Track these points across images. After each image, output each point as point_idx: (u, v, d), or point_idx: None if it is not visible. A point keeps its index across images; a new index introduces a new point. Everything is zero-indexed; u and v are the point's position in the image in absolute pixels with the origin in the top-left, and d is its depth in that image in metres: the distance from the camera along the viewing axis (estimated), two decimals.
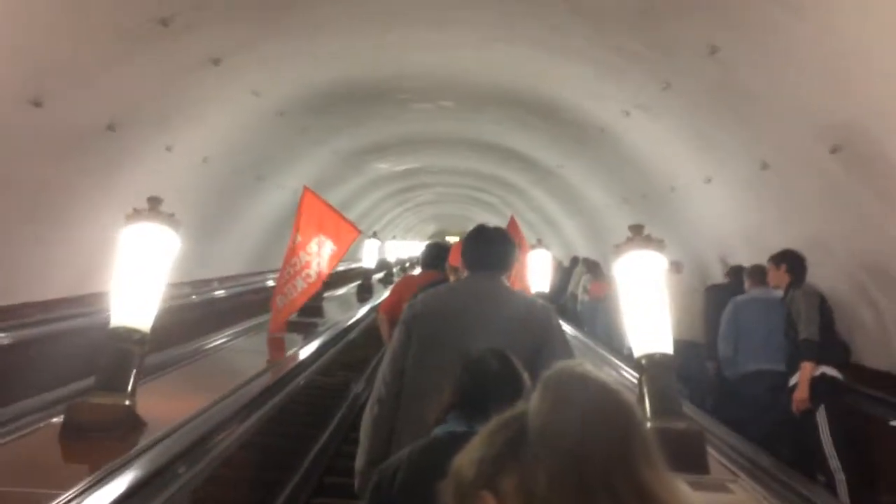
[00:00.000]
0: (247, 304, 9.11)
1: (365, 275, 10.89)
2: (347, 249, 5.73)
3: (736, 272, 6.21)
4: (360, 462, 2.40)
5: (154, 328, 2.96)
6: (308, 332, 5.84)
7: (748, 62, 4.34)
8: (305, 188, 5.66)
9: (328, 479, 4.72)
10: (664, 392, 2.75)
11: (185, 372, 4.35)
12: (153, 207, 3.05)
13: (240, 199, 9.18)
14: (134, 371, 2.79)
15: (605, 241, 11.89)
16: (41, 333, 4.79)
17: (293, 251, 5.34)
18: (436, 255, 4.79)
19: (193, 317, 7.65)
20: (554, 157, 10.16)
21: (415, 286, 4.33)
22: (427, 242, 5.33)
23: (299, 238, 5.35)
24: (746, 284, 5.52)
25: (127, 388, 2.75)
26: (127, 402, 2.71)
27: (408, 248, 24.07)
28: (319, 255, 5.43)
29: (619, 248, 3.03)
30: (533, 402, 0.98)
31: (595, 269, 11.03)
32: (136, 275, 2.94)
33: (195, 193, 7.63)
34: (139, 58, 4.75)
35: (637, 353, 2.86)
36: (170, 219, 3.06)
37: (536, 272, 6.94)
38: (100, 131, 5.08)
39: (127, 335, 2.82)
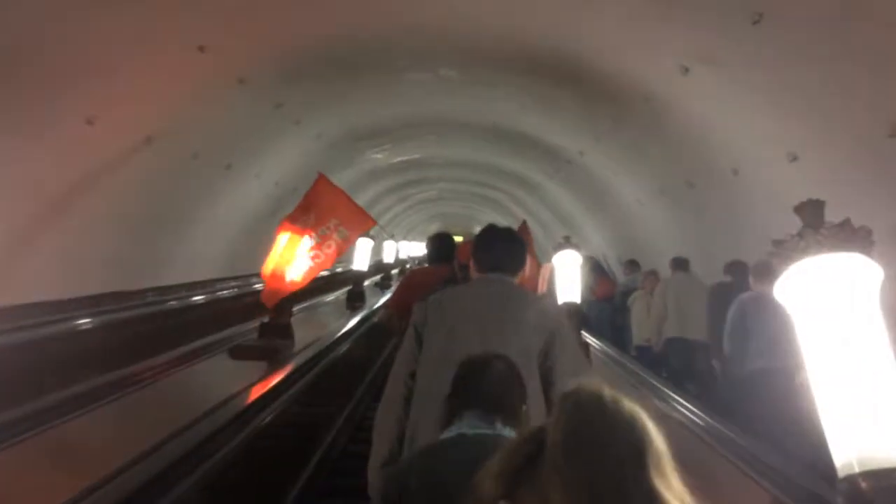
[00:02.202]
0: (217, 315, 7.65)
1: (356, 279, 9.42)
2: (359, 236, 5.98)
3: (737, 267, 6.05)
4: (371, 462, 2.35)
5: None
6: (267, 362, 4.38)
7: None
8: (320, 174, 5.65)
9: None
10: None
11: (77, 426, 2.90)
12: None
13: (207, 191, 7.70)
14: None
15: (630, 243, 10.39)
16: None
17: (304, 230, 5.26)
18: (442, 248, 4.68)
19: (143, 332, 6.19)
20: (577, 142, 8.65)
21: (425, 283, 4.07)
22: (432, 235, 5.01)
23: (312, 219, 5.31)
24: (751, 282, 5.37)
25: None
26: None
27: (409, 248, 22.56)
28: (332, 237, 5.33)
29: (785, 250, 1.55)
30: (551, 419, 1.03)
31: (599, 268, 9.91)
32: None
33: (139, 183, 6.15)
34: None
35: (844, 463, 1.37)
36: None
37: (563, 277, 5.44)
38: None
39: None
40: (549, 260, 10.71)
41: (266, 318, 5.13)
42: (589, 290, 9.59)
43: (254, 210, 9.33)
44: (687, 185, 6.86)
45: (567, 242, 5.53)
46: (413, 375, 2.38)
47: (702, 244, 7.57)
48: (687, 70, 4.77)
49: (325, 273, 13.73)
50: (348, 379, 6.04)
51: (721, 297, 5.86)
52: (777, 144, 4.77)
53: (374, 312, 9.37)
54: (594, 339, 6.28)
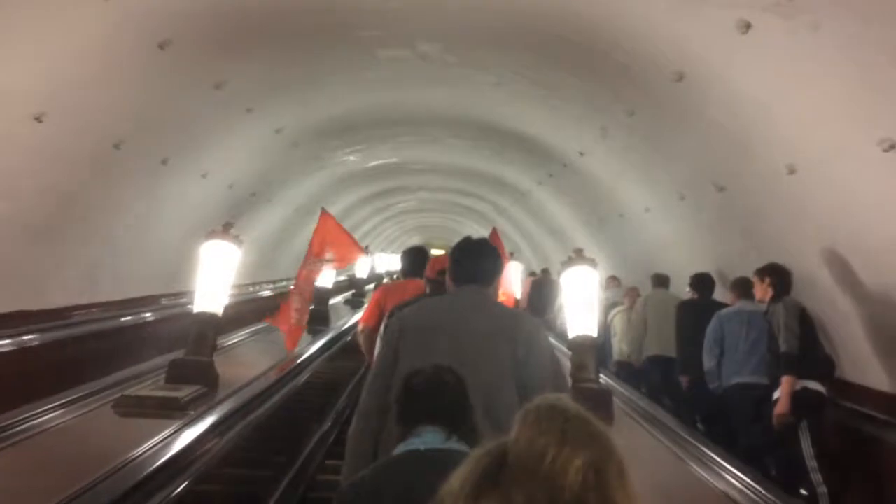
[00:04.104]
0: (119, 348, 6.27)
1: (319, 298, 8.09)
2: (346, 265, 6.16)
3: (701, 281, 6.17)
4: (344, 475, 2.30)
5: None
6: (176, 418, 3.06)
7: None
8: (323, 210, 5.90)
9: None
10: None
11: None
12: None
13: (136, 191, 6.38)
14: None
15: (633, 258, 9.17)
16: None
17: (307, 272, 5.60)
18: (416, 261, 4.62)
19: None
20: (578, 140, 7.43)
21: (399, 296, 4.05)
22: (406, 248, 4.88)
23: (314, 260, 5.64)
24: (731, 297, 5.52)
25: None
26: None
27: (387, 261, 21.26)
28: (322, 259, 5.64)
29: None
30: (513, 432, 1.04)
31: None
32: None
33: (35, 177, 4.83)
34: None
35: None
36: None
37: (576, 303, 4.18)
38: None
39: None
40: (530, 275, 9.83)
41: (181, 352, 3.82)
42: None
43: (203, 217, 7.97)
44: (715, 188, 5.64)
45: (580, 257, 4.27)
46: (388, 388, 2.30)
47: (727, 262, 6.37)
48: (748, 27, 3.56)
49: (271, 291, 12.34)
50: (287, 444, 4.65)
51: (688, 313, 6.01)
52: (865, 129, 3.56)
53: (340, 335, 8.08)
54: (615, 383, 5.06)
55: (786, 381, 4.37)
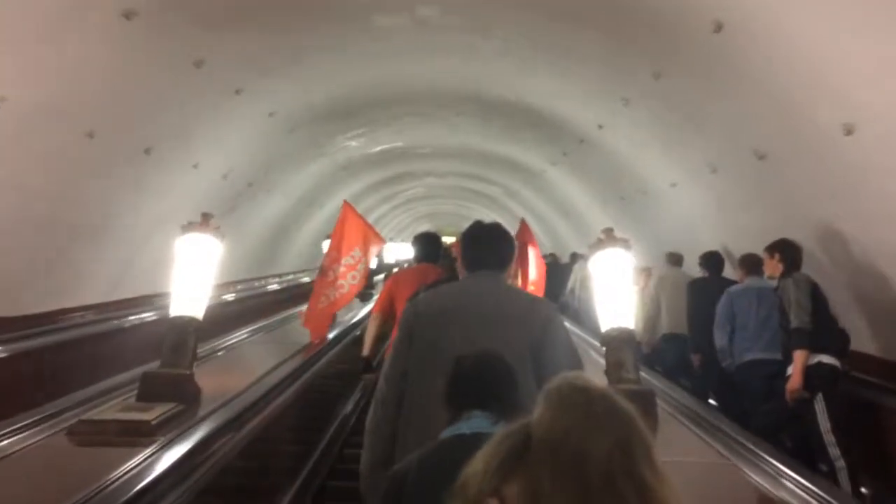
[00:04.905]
0: (118, 348, 5.75)
1: None
2: (370, 258, 5.85)
3: (711, 260, 6.29)
4: (363, 464, 2.35)
5: None
6: (147, 444, 2.55)
7: None
8: (345, 202, 5.80)
9: None
10: None
11: None
12: None
13: (117, 184, 5.88)
14: None
15: (655, 240, 8.59)
16: None
17: (335, 260, 5.48)
18: (428, 246, 4.75)
19: None
20: (596, 110, 6.85)
21: (415, 282, 4.10)
22: (417, 234, 4.97)
23: (346, 252, 5.50)
24: (739, 274, 5.57)
25: None
26: None
27: (397, 250, 20.75)
28: (355, 268, 5.51)
29: None
30: (536, 412, 1.04)
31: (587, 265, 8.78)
32: None
33: None
34: None
35: None
36: None
37: (607, 290, 3.64)
38: None
39: None
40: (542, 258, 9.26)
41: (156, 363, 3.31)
42: (581, 286, 9.46)
43: (196, 210, 7.42)
44: (755, 157, 5.06)
45: (610, 238, 3.71)
46: (405, 375, 2.33)
47: (766, 239, 5.78)
48: None
49: (278, 284, 11.81)
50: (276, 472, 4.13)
51: (699, 291, 6.11)
52: None
53: (346, 332, 7.56)
54: (657, 380, 4.54)
55: (798, 355, 4.38)
